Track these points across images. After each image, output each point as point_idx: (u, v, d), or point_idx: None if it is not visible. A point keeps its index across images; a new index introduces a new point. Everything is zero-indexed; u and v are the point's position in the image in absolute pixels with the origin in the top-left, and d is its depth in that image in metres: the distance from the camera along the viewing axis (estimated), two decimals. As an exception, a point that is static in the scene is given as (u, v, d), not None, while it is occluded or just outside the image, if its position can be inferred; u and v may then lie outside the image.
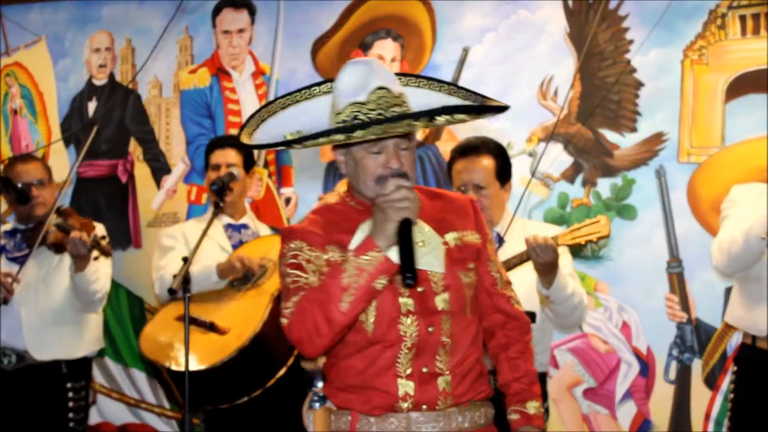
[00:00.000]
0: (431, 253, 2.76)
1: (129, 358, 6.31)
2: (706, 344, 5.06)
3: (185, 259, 3.94)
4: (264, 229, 4.88)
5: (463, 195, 3.10)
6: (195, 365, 4.01)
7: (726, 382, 4.94)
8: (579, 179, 5.32)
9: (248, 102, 6.15)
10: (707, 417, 5.03)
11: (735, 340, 4.94)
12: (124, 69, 6.53)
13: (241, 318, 4.25)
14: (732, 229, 4.07)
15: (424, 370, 2.75)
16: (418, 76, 2.93)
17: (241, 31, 6.21)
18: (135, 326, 6.22)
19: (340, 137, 2.60)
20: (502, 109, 2.68)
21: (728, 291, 4.86)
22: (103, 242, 4.54)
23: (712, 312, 5.06)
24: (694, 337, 5.08)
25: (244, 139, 2.79)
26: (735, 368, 4.31)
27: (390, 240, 2.60)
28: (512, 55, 5.51)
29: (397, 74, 2.85)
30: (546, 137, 5.32)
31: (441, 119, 2.59)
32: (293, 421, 4.52)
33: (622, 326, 5.19)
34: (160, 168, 6.39)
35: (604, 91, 5.27)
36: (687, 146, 5.13)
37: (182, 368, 3.94)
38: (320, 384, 2.72)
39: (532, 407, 2.91)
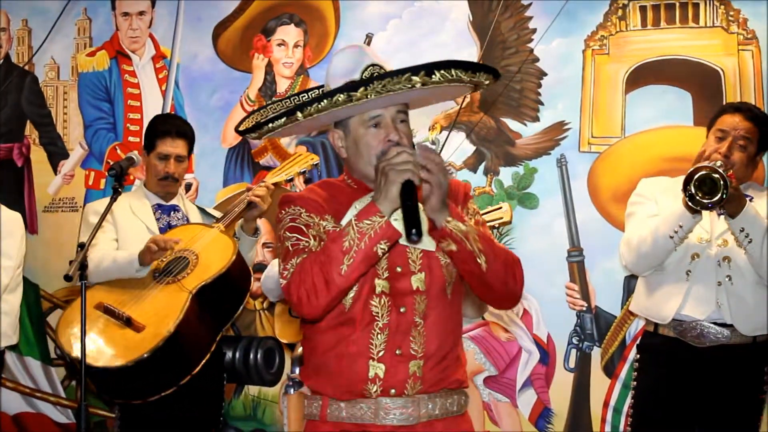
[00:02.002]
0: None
1: (24, 346, 6.16)
2: (605, 332, 5.11)
3: (81, 245, 3.86)
4: (194, 212, 4.76)
5: (459, 181, 3.08)
6: (108, 361, 3.98)
7: (624, 370, 5.00)
8: (481, 168, 5.33)
9: (148, 86, 6.07)
10: (606, 404, 5.08)
11: (634, 329, 4.99)
12: (21, 50, 6.39)
13: (158, 315, 4.16)
14: (640, 228, 4.11)
15: (397, 352, 2.73)
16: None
17: (141, 13, 6.12)
18: (30, 313, 6.10)
19: (341, 97, 2.61)
20: (496, 73, 2.73)
21: (627, 280, 4.93)
22: None
23: (611, 300, 5.11)
24: (594, 326, 5.12)
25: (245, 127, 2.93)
26: (637, 355, 4.34)
27: (393, 204, 2.59)
28: (415, 43, 5.49)
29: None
30: (449, 125, 5.32)
31: (437, 76, 2.59)
32: (209, 413, 4.54)
33: (522, 314, 5.21)
34: (57, 152, 6.27)
35: (506, 80, 5.27)
36: (588, 136, 5.16)
37: (98, 363, 3.94)
38: (297, 370, 2.71)
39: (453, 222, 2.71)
